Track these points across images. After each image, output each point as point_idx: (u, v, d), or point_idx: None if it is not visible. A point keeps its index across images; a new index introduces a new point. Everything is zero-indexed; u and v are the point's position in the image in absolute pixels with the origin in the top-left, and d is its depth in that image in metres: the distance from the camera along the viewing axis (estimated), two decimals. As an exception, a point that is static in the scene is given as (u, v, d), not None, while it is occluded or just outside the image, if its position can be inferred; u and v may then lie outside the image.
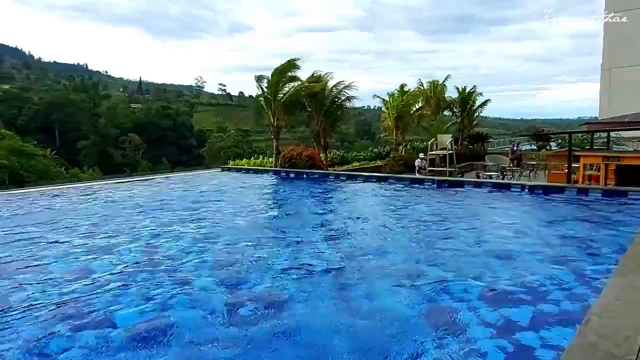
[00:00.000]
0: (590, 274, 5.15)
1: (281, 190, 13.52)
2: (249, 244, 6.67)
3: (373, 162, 24.57)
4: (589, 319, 2.65)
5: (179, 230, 7.63)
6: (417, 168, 19.21)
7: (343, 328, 4.01)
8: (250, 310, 4.33)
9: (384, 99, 24.72)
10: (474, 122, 30.27)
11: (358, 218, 8.88)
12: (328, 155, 23.61)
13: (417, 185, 12.14)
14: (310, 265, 5.69)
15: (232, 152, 56.51)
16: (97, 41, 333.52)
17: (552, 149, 26.67)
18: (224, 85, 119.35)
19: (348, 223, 8.45)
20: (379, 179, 13.05)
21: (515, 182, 10.92)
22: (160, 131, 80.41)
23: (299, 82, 19.10)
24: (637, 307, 2.87)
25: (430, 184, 11.98)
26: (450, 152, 17.88)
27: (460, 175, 21.92)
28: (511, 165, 19.78)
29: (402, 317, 4.22)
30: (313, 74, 20.29)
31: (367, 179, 13.28)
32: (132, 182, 14.71)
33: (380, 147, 28.02)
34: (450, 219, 8.45)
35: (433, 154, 19.49)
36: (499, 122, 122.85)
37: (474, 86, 29.56)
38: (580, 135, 24.20)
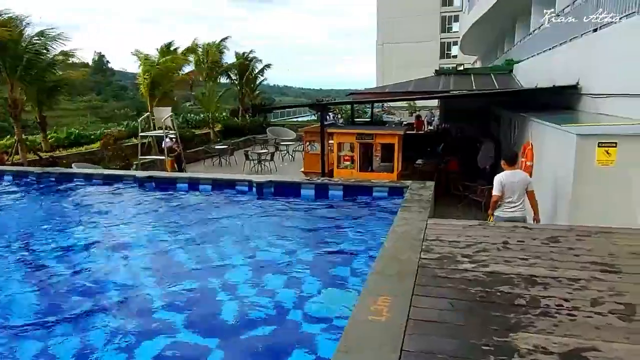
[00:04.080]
0: None
1: None
2: None
3: (128, 140, 19.43)
4: None
5: None
6: (166, 150, 15.09)
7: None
8: None
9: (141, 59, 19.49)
10: (256, 91, 27.43)
11: None
12: (56, 134, 17.66)
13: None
14: None
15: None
16: None
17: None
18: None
19: None
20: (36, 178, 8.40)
21: (240, 177, 7.75)
22: None
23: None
24: None
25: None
26: (173, 132, 13.90)
27: (229, 154, 18.76)
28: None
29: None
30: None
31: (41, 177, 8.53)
32: None
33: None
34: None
35: (145, 136, 14.99)
36: (301, 92, 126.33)
37: (251, 50, 26.64)
38: (355, 106, 23.60)
